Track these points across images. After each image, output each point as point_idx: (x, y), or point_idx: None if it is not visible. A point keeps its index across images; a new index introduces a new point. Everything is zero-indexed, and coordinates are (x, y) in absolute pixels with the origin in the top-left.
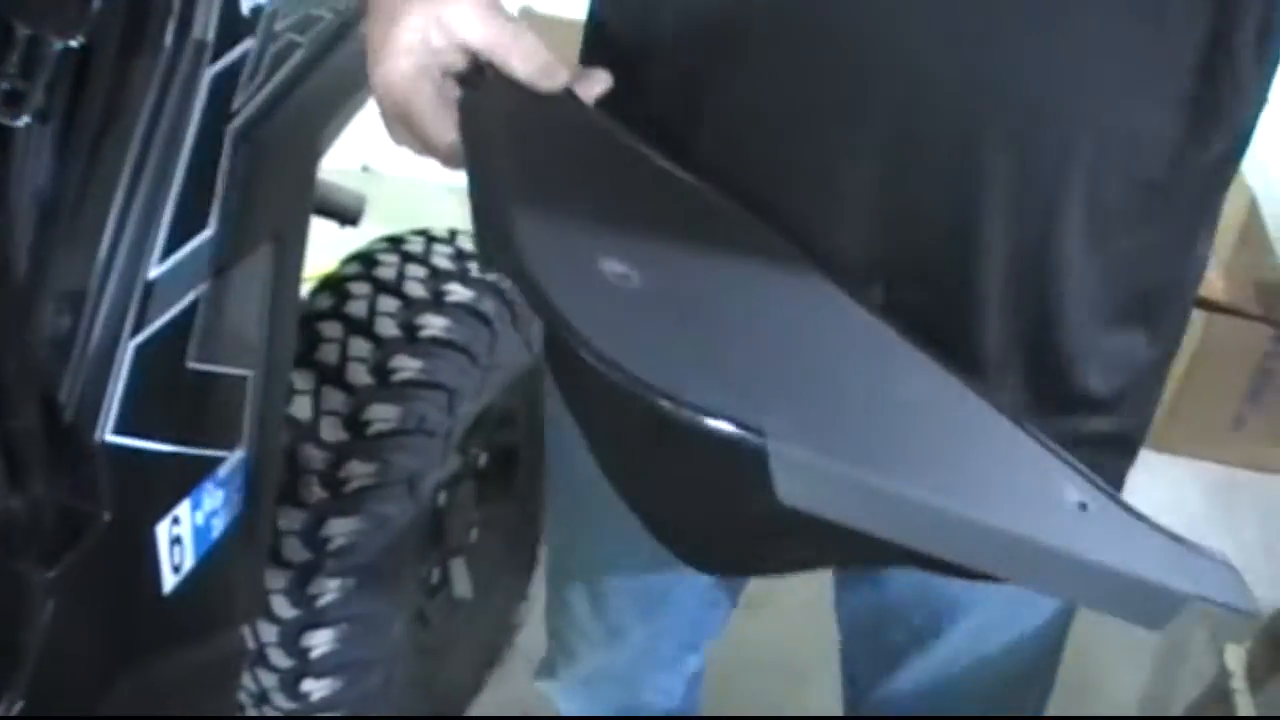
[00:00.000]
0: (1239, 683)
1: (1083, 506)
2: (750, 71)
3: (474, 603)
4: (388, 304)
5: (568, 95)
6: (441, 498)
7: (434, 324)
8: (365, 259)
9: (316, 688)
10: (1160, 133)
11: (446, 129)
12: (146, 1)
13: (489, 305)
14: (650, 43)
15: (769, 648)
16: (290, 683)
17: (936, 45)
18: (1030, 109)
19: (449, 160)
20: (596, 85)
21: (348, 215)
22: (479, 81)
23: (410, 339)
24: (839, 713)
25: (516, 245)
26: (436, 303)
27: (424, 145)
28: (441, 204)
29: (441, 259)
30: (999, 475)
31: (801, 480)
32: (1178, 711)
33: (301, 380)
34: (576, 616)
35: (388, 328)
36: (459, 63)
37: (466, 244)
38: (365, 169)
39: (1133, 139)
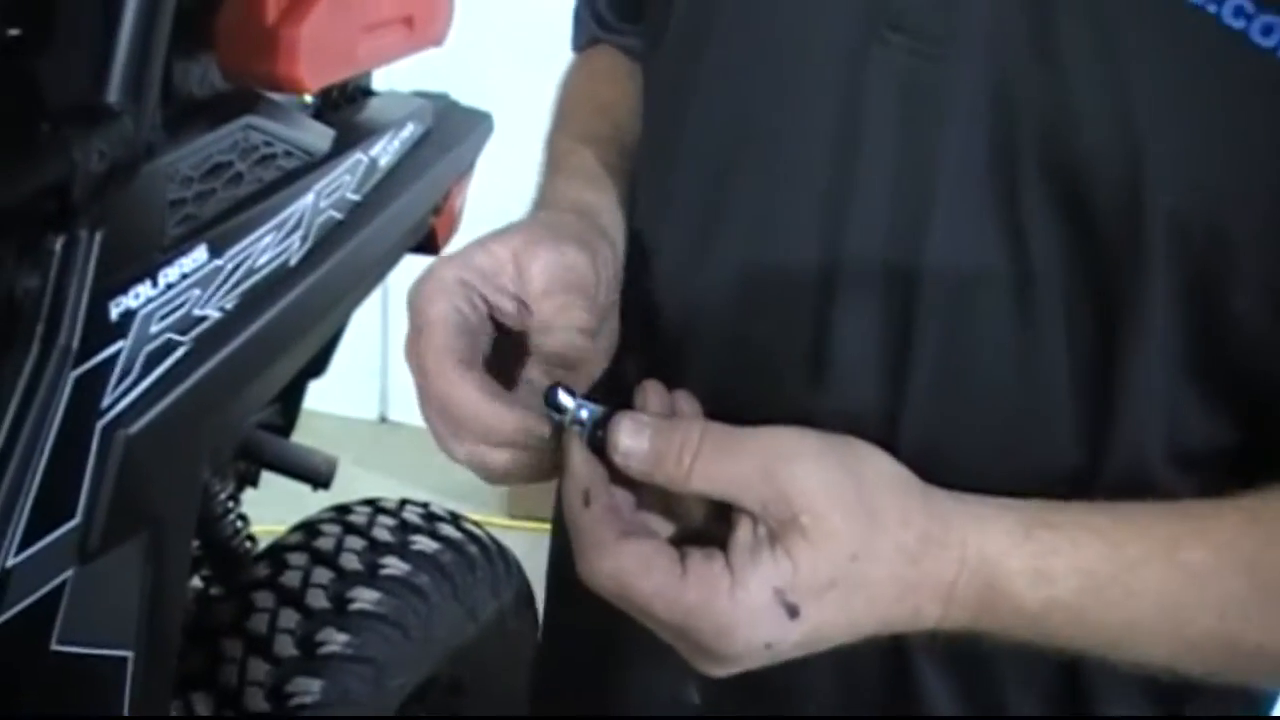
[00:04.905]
0: None
1: None
2: None
3: None
4: (321, 575)
5: None
6: None
7: (365, 597)
8: (309, 528)
9: None
10: None
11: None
12: (16, 310)
13: (425, 579)
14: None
15: None
16: None
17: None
18: None
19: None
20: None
21: (319, 478)
22: None
23: (340, 611)
24: None
25: None
26: (371, 576)
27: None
28: None
29: (383, 531)
30: None
31: None
32: None
33: (230, 649)
34: None
35: (319, 599)
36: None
37: (413, 516)
38: (383, 419)
39: None
